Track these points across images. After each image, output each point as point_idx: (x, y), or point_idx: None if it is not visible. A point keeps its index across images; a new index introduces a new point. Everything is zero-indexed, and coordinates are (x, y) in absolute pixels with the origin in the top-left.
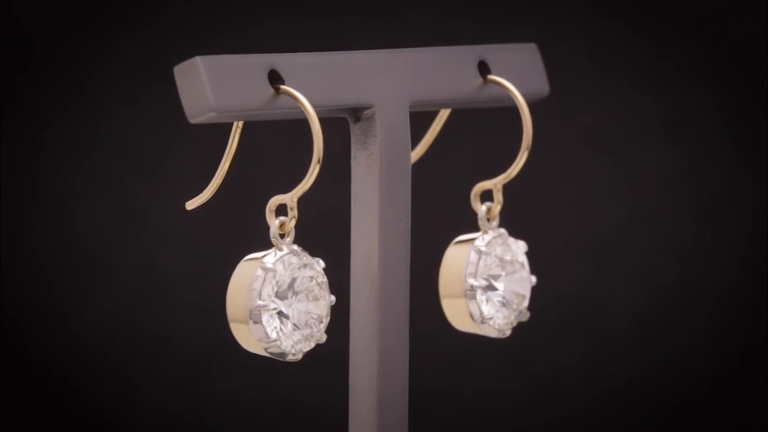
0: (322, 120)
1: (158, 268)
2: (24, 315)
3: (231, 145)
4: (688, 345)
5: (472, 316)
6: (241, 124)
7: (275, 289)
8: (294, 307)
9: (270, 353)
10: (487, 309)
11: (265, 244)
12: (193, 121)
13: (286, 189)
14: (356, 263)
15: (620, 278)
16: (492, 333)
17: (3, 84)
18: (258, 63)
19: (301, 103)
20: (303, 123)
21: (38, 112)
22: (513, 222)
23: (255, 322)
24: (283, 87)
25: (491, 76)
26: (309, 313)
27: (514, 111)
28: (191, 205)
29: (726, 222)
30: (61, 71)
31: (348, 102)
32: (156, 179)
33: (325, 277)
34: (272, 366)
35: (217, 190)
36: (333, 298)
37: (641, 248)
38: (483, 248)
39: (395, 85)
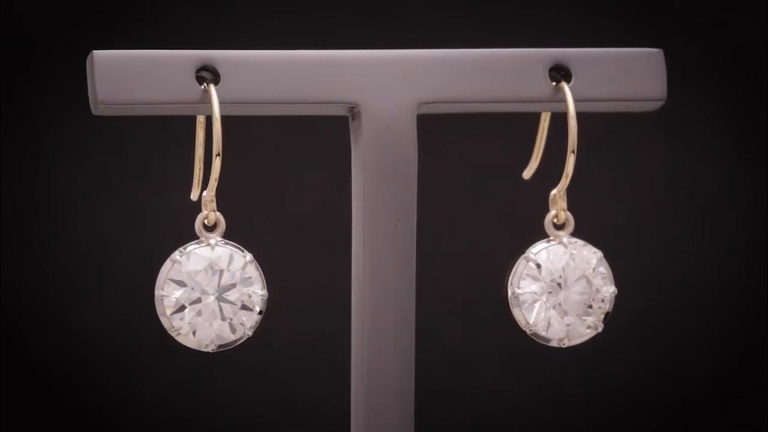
0: (324, 118)
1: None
2: (24, 315)
3: (197, 138)
4: (688, 345)
5: (518, 323)
6: (202, 118)
7: (186, 279)
8: (210, 301)
9: (183, 342)
10: (535, 317)
11: (263, 244)
12: (95, 112)
13: (286, 189)
14: (353, 263)
15: (620, 278)
16: (548, 342)
17: (3, 84)
18: (185, 59)
19: (212, 100)
20: (304, 126)
21: (38, 112)
22: (513, 223)
23: (159, 314)
24: (209, 85)
25: (562, 83)
26: (233, 306)
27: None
28: (195, 195)
29: (726, 222)
30: (61, 71)
31: (322, 99)
32: (156, 179)
33: (256, 270)
34: (272, 366)
35: (219, 190)
36: (263, 293)
37: (641, 248)
38: (533, 256)
39: (393, 85)
